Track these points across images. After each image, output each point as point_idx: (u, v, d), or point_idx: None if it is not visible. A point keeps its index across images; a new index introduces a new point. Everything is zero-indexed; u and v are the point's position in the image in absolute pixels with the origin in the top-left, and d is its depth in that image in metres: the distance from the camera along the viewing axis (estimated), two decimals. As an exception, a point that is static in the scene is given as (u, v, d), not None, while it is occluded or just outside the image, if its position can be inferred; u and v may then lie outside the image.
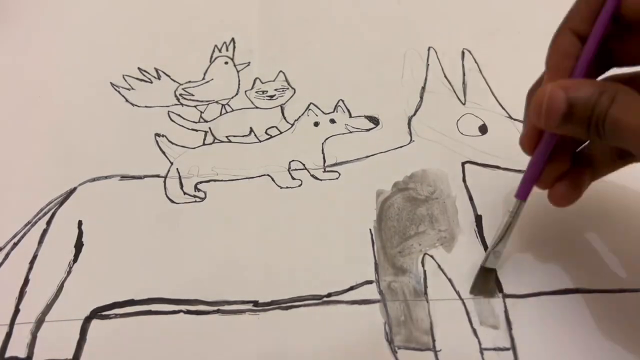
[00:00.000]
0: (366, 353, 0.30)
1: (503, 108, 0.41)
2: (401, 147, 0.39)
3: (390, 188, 0.36)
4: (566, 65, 0.26)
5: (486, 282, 0.31)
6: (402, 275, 0.32)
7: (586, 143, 0.30)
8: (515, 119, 0.40)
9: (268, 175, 0.38)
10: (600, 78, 0.28)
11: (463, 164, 0.37)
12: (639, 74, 0.28)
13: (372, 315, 0.31)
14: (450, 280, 0.32)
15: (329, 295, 0.32)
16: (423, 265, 0.33)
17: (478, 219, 0.35)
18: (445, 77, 0.43)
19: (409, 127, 0.40)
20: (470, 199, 0.36)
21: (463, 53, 0.45)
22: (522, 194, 0.29)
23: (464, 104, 0.41)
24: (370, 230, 0.34)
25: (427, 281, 0.32)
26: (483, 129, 0.39)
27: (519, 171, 0.37)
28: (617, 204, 0.35)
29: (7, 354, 0.30)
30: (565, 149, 0.28)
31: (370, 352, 0.30)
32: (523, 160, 0.37)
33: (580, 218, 0.34)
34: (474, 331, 0.30)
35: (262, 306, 0.31)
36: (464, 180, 0.37)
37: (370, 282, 0.32)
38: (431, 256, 0.33)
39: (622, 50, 0.27)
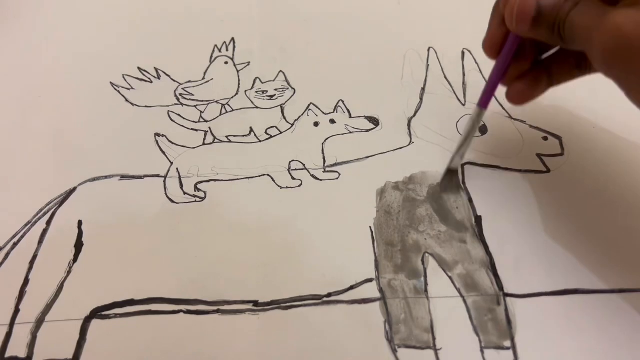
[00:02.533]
0: (366, 352, 0.30)
1: (503, 108, 0.41)
2: (401, 148, 0.39)
3: (390, 189, 0.36)
4: None
5: (452, 180, 0.36)
6: (402, 273, 0.32)
7: (552, 51, 0.32)
8: (515, 119, 0.40)
9: (268, 175, 0.38)
10: None
11: (463, 165, 0.37)
12: None
13: (372, 314, 0.31)
14: (450, 277, 0.32)
15: (329, 295, 0.32)
16: (423, 264, 0.33)
17: (478, 220, 0.35)
18: (445, 77, 0.43)
19: (409, 129, 0.40)
20: (470, 200, 0.36)
21: (463, 53, 0.45)
22: (484, 102, 0.32)
23: (463, 105, 0.41)
24: (370, 228, 0.34)
25: (428, 279, 0.32)
26: (483, 130, 0.39)
27: (519, 171, 0.37)
28: (617, 204, 0.35)
29: (7, 354, 0.30)
30: (525, 53, 0.31)
31: (370, 351, 0.30)
32: (523, 161, 0.37)
33: (580, 218, 0.34)
34: (475, 329, 0.30)
35: (262, 306, 0.31)
36: (463, 181, 0.37)
37: (370, 280, 0.32)
38: (431, 254, 0.33)
39: None
